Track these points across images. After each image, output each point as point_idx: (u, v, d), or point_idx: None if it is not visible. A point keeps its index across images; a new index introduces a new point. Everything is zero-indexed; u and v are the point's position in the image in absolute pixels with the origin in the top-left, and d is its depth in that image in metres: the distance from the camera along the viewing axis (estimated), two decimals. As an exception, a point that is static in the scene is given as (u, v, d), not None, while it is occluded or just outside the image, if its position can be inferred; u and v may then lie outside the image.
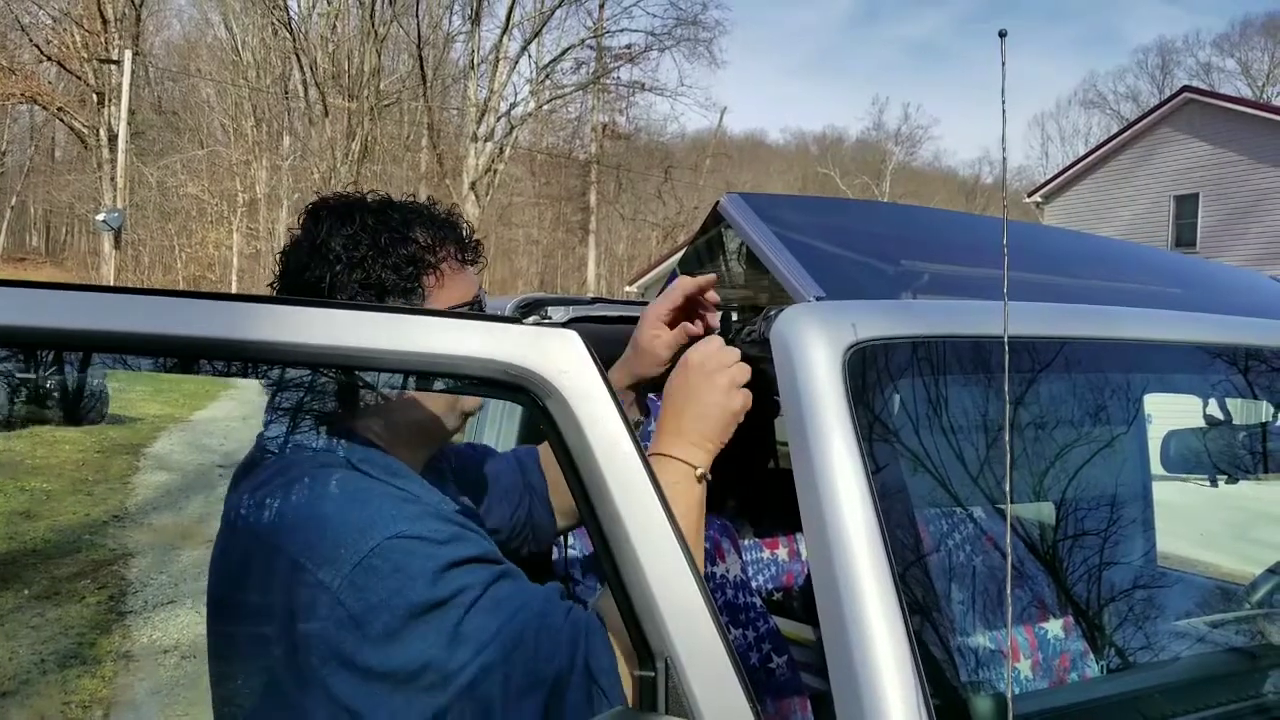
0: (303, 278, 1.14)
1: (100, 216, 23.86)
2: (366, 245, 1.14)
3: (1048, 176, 27.59)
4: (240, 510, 1.10)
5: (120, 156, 25.97)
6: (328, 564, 0.97)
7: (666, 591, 0.92)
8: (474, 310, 1.20)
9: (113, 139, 28.48)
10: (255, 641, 1.07)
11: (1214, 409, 1.78)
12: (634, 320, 1.40)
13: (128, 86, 25.23)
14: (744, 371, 1.18)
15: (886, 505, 1.03)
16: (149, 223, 36.65)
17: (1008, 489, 0.95)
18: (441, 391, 1.15)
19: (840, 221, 1.77)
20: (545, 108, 37.57)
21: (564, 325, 0.99)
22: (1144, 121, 22.58)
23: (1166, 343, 1.43)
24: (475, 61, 34.07)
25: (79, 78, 32.73)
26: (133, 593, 5.96)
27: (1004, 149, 0.85)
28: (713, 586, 1.58)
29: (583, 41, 36.23)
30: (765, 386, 1.22)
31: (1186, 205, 21.05)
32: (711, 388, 1.15)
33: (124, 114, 25.20)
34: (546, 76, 36.27)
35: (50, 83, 33.13)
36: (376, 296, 1.13)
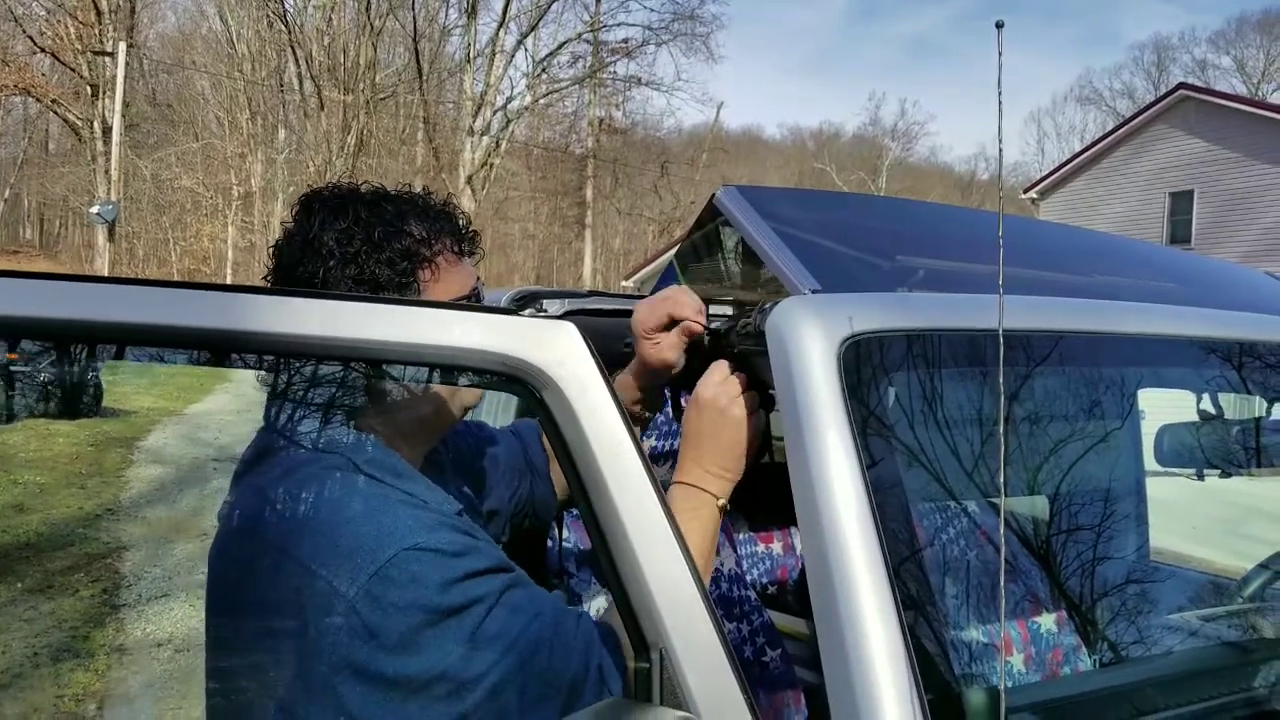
0: (296, 273, 1.12)
1: (94, 209, 23.79)
2: (360, 240, 1.12)
3: (1044, 172, 27.62)
4: (244, 508, 1.10)
5: (115, 149, 25.87)
6: (343, 572, 0.96)
7: (661, 583, 0.92)
8: (473, 303, 1.19)
9: (107, 131, 28.37)
10: (257, 644, 1.06)
11: (1207, 404, 1.78)
12: (630, 314, 1.40)
13: (122, 79, 25.11)
14: (753, 398, 1.23)
15: (881, 499, 1.02)
16: (143, 215, 36.52)
17: (1001, 483, 0.95)
18: (440, 385, 1.15)
19: (836, 215, 1.77)
20: (542, 102, 37.51)
21: (560, 318, 0.99)
22: (1139, 118, 22.61)
23: (1161, 337, 1.43)
24: (471, 55, 34.00)
25: (73, 70, 32.55)
26: (126, 586, 5.95)
27: (999, 140, 0.85)
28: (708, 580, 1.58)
29: (579, 35, 36.18)
30: (761, 380, 1.23)
31: (1181, 201, 21.09)
32: (726, 422, 1.20)
33: (118, 106, 25.09)
34: (543, 70, 36.21)
35: (44, 75, 32.97)
36: (371, 292, 1.12)
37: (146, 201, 36.02)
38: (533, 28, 34.80)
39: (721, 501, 1.18)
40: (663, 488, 0.97)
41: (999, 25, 0.90)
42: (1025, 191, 25.05)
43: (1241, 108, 20.91)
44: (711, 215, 1.49)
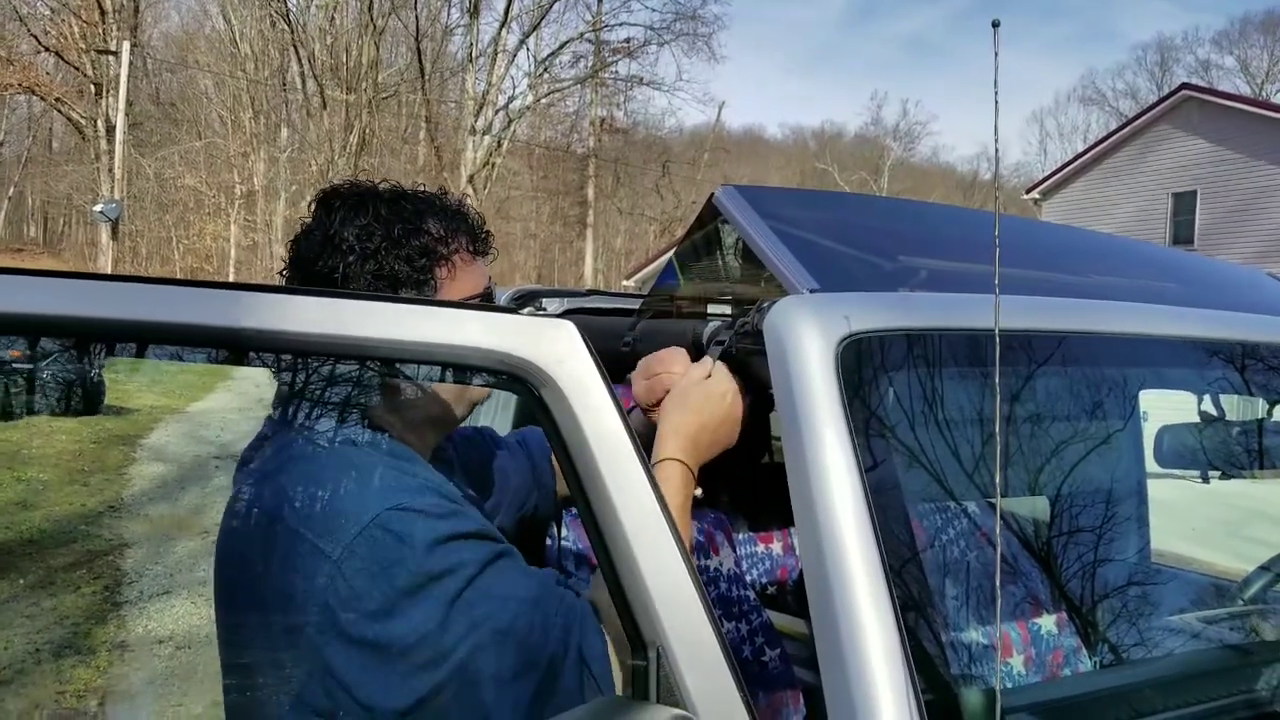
0: (315, 268, 1.14)
1: (98, 207, 23.82)
2: (380, 236, 1.14)
3: (1046, 173, 27.58)
4: (245, 487, 1.11)
5: (118, 148, 25.90)
6: (328, 534, 0.97)
7: (659, 581, 0.92)
8: (485, 302, 1.21)
9: (110, 130, 28.39)
10: (258, 615, 1.07)
11: (1208, 405, 1.78)
12: (629, 312, 1.40)
13: (125, 78, 25.14)
14: (733, 377, 1.26)
15: (879, 499, 1.02)
16: (146, 214, 36.55)
17: (997, 484, 0.95)
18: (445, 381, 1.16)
19: (836, 215, 1.77)
20: (543, 101, 37.54)
21: (559, 316, 0.99)
22: (1142, 118, 22.57)
23: (1162, 338, 1.43)
24: (473, 55, 34.05)
25: (77, 68, 32.56)
26: (128, 583, 5.96)
27: (995, 137, 0.85)
28: (706, 579, 1.58)
29: (581, 35, 36.20)
30: (759, 380, 1.22)
31: (1184, 202, 21.06)
32: (707, 396, 1.23)
33: (122, 105, 25.13)
34: (545, 70, 36.23)
35: (48, 73, 32.98)
36: (389, 288, 1.14)
37: (150, 200, 36.04)
38: (535, 27, 34.85)
39: (682, 459, 1.17)
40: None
41: (995, 25, 0.90)
42: (1027, 192, 25.01)
43: (1245, 108, 20.88)
44: (711, 215, 1.49)
